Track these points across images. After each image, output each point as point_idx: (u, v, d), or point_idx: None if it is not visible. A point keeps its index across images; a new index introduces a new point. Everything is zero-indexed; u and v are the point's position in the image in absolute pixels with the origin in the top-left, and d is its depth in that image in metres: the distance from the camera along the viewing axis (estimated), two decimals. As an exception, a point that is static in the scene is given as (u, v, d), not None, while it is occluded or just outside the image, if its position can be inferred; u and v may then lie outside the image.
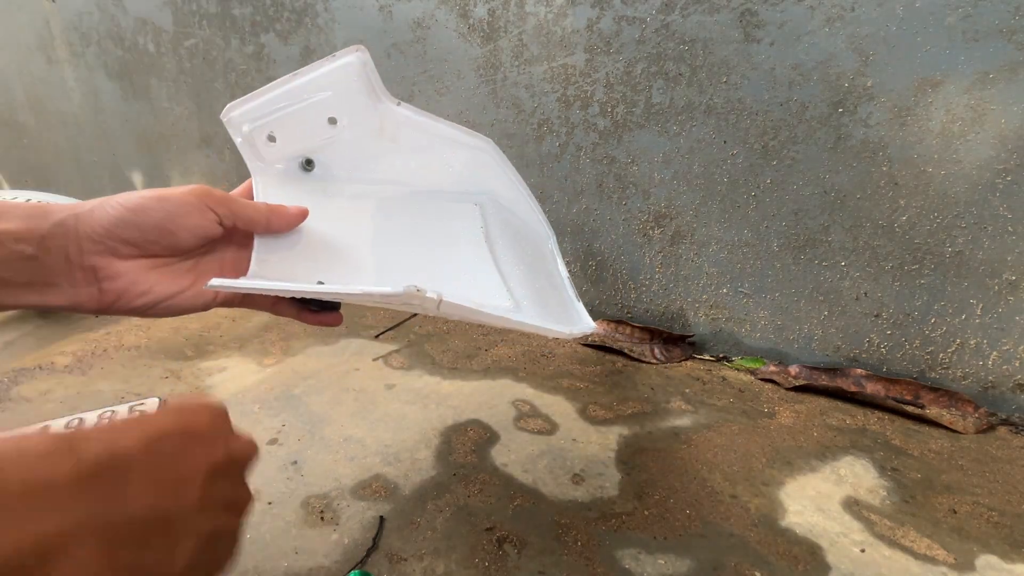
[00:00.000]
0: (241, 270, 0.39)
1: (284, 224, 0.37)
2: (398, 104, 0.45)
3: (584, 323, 0.45)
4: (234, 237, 0.39)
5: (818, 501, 0.49)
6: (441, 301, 0.30)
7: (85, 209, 0.32)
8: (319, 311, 0.41)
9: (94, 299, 0.33)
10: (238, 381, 0.68)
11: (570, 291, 0.50)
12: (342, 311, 0.42)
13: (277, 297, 0.39)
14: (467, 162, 0.50)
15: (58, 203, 0.33)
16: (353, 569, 0.41)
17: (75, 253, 0.32)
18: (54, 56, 1.30)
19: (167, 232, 0.33)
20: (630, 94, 0.71)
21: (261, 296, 0.39)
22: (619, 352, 0.76)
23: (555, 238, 0.54)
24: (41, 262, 0.31)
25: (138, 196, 0.33)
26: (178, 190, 0.34)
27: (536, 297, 0.45)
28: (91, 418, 0.60)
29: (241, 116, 0.40)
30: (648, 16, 0.66)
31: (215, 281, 0.32)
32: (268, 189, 0.40)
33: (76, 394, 0.65)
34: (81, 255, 0.32)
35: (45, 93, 1.37)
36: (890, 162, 0.59)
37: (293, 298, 0.40)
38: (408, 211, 0.46)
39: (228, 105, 0.40)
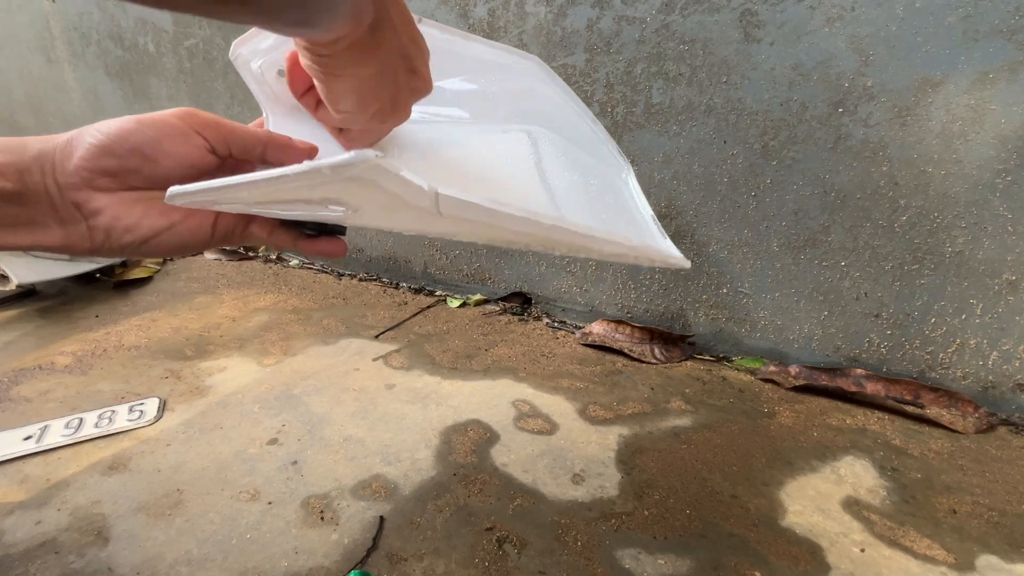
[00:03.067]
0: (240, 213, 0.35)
1: (285, 156, 0.33)
2: (419, 21, 0.36)
3: (673, 253, 0.37)
4: (234, 171, 0.33)
5: (818, 501, 0.49)
6: (438, 194, 0.25)
7: (63, 140, 0.29)
8: (317, 236, 0.36)
9: (85, 238, 0.31)
10: (238, 381, 0.68)
11: (652, 225, 0.42)
12: (346, 240, 0.38)
13: (273, 224, 0.35)
14: (510, 89, 0.42)
15: (37, 137, 0.30)
16: (353, 569, 0.41)
17: (54, 188, 0.29)
18: (54, 56, 1.30)
19: (148, 159, 0.30)
20: (630, 94, 0.71)
21: (258, 227, 0.35)
22: (619, 352, 0.76)
23: (632, 170, 0.46)
24: (24, 198, 0.29)
25: (117, 121, 0.30)
26: (162, 112, 0.30)
27: (596, 220, 0.38)
28: (91, 418, 0.60)
29: (249, 52, 0.36)
30: (648, 16, 0.66)
31: (174, 189, 0.28)
32: (282, 128, 0.36)
33: (76, 394, 0.65)
34: (60, 190, 0.29)
35: (45, 93, 1.37)
36: (890, 162, 0.59)
37: (288, 223, 0.35)
38: (439, 141, 0.39)
39: (235, 41, 0.36)
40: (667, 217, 0.74)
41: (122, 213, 0.30)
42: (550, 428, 0.59)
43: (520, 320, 0.88)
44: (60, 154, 0.29)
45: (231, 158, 0.33)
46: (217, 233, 0.34)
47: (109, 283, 1.02)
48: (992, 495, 0.50)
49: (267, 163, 0.33)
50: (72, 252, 0.31)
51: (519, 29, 0.74)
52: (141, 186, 0.31)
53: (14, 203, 0.28)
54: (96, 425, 0.59)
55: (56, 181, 0.29)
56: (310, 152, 0.34)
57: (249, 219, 0.36)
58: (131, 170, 0.30)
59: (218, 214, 0.34)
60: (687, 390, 0.68)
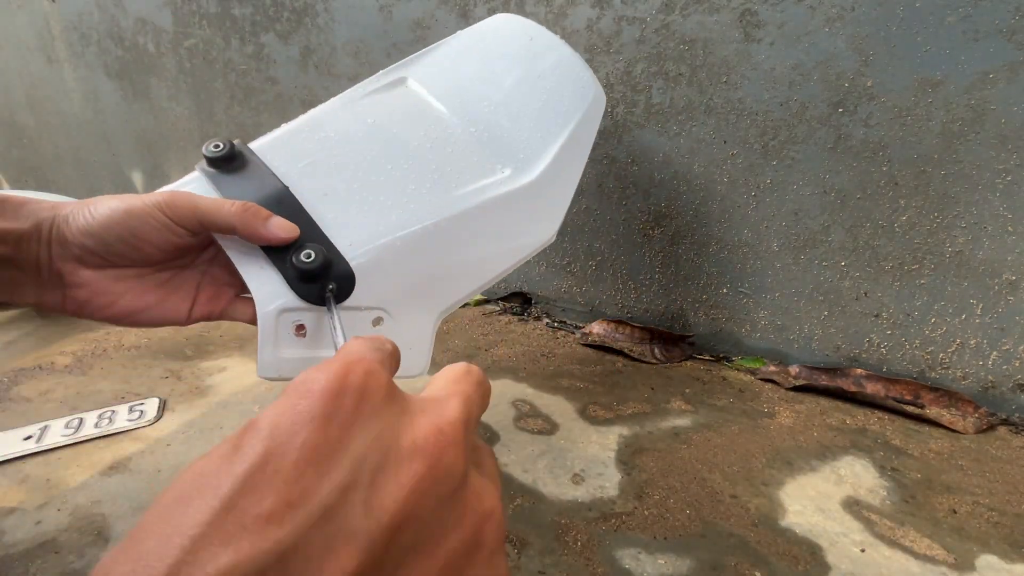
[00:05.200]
0: (228, 282, 0.39)
1: (255, 228, 0.34)
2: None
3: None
4: (209, 244, 0.37)
5: (818, 501, 0.49)
6: None
7: (63, 214, 0.32)
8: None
9: (59, 304, 0.33)
10: (238, 381, 0.68)
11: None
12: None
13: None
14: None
15: (45, 201, 0.32)
16: None
17: (44, 257, 0.31)
18: (54, 56, 1.30)
19: (132, 247, 0.33)
20: (630, 94, 0.71)
21: (241, 309, 0.39)
22: (619, 352, 0.76)
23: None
24: (14, 263, 0.31)
25: (107, 209, 0.32)
26: (145, 202, 0.32)
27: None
28: (91, 418, 0.60)
29: None
30: (648, 16, 0.66)
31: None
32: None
33: (76, 394, 0.65)
34: (50, 260, 0.31)
35: (45, 93, 1.37)
36: (890, 162, 0.59)
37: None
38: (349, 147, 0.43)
39: None
40: (667, 217, 0.74)
41: (103, 289, 0.33)
42: (550, 428, 0.59)
43: (520, 320, 0.88)
44: (59, 226, 0.31)
45: (207, 233, 0.35)
46: (193, 317, 0.37)
47: (109, 283, 1.02)
48: (992, 495, 0.50)
49: (249, 237, 0.35)
50: (44, 309, 0.34)
51: (519, 29, 0.74)
52: (125, 265, 0.33)
53: (2, 266, 0.31)
54: (96, 425, 0.59)
55: (49, 252, 0.31)
56: (286, 230, 0.35)
57: (228, 302, 0.39)
58: (117, 254, 0.32)
59: (195, 301, 0.37)
60: (687, 390, 0.68)
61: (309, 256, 0.34)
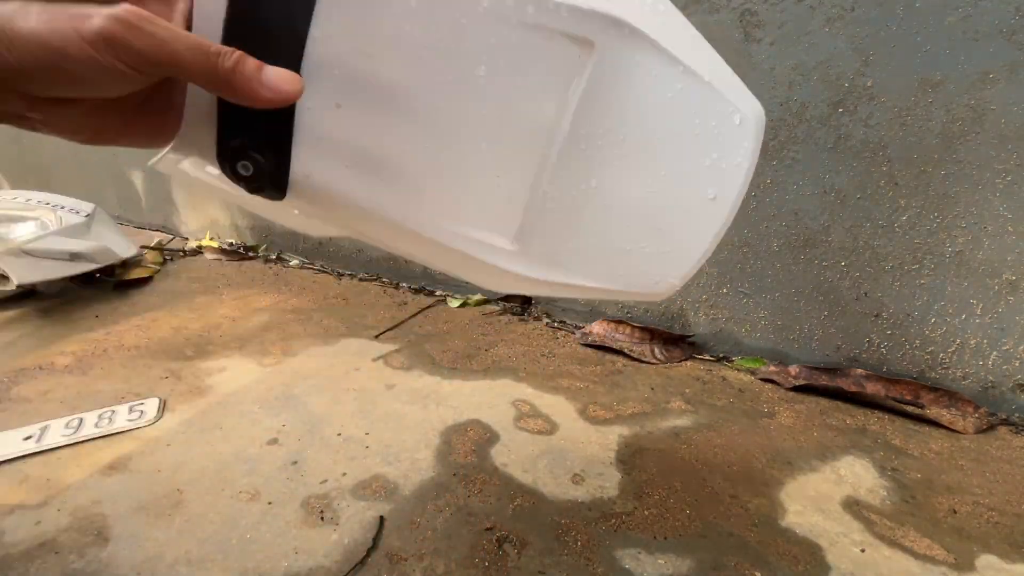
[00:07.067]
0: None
1: (261, 93, 0.24)
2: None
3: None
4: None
5: (818, 501, 0.49)
6: None
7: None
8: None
9: (31, 127, 0.29)
10: (238, 381, 0.68)
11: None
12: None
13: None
14: None
15: None
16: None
17: None
18: (54, 56, 1.30)
19: (71, 91, 0.25)
20: (630, 94, 0.70)
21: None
22: (619, 352, 0.76)
23: (758, 116, 0.34)
24: None
25: (27, 43, 0.22)
26: (81, 34, 0.22)
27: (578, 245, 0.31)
28: (91, 418, 0.60)
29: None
30: (648, 16, 0.66)
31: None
32: None
33: (76, 394, 0.65)
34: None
35: (45, 93, 1.37)
36: (890, 162, 0.59)
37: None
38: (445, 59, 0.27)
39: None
40: (667, 217, 0.74)
41: (62, 124, 0.29)
42: (550, 428, 0.59)
43: (520, 320, 0.88)
44: None
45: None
46: (166, 136, 0.29)
47: (109, 283, 1.02)
48: (992, 495, 0.50)
49: (226, 96, 0.26)
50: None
51: (519, 29, 0.74)
52: (75, 102, 0.28)
53: None
54: (96, 425, 0.59)
55: None
56: (290, 81, 0.25)
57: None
58: (57, 95, 0.26)
59: (164, 123, 0.29)
60: (687, 390, 0.68)
61: (247, 168, 0.27)
